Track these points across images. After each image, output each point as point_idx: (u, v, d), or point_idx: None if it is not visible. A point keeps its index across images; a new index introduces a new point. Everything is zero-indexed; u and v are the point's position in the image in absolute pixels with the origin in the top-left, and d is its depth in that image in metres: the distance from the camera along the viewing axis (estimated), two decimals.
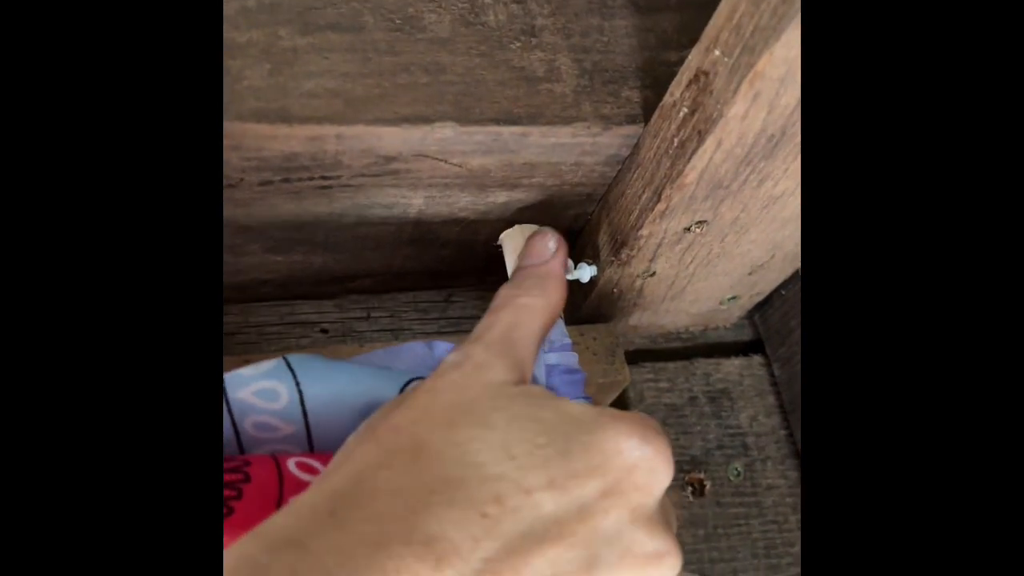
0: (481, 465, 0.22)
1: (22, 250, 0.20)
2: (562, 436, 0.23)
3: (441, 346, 0.35)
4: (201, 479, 0.20)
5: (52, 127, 0.20)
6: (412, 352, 0.35)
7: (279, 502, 0.26)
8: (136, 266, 0.20)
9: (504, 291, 0.30)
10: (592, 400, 0.36)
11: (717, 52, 0.28)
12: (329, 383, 0.30)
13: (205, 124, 0.22)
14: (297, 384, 0.30)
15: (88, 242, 0.20)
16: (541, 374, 0.34)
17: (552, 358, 0.34)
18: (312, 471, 0.27)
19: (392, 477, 0.22)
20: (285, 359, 0.30)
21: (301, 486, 0.27)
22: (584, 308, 0.43)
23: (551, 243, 0.32)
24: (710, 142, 0.29)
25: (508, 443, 0.23)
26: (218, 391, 0.27)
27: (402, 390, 0.31)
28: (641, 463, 0.23)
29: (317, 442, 0.30)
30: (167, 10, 0.21)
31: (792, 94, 0.28)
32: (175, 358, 0.20)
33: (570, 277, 0.40)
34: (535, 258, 0.32)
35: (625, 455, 0.23)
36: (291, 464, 0.27)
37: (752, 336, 0.51)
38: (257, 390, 0.30)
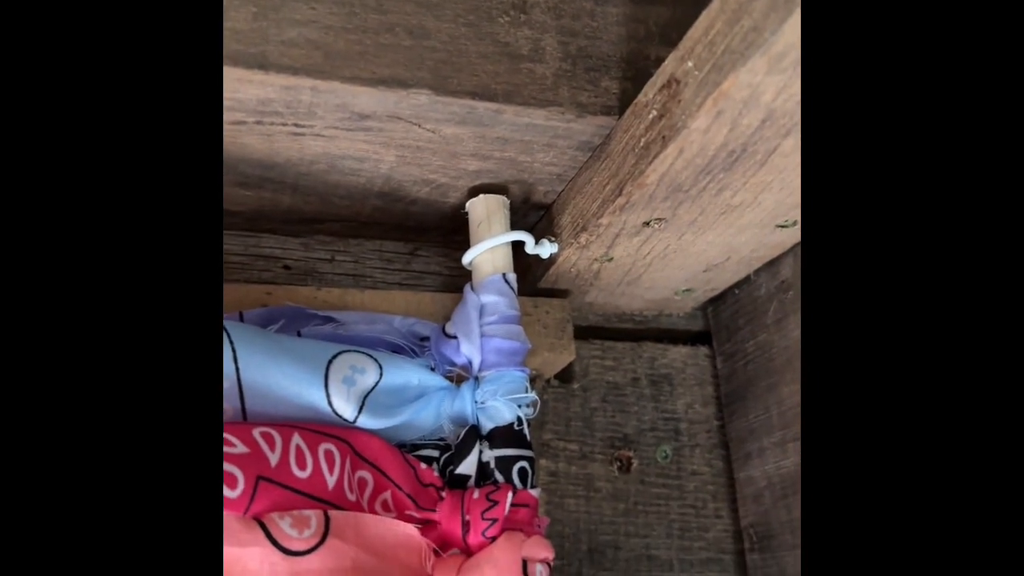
0: None
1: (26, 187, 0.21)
2: None
3: (405, 322, 0.38)
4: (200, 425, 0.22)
5: (56, 74, 0.21)
6: (385, 321, 0.38)
7: None
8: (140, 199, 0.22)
9: None
10: (529, 372, 0.37)
11: (690, 63, 0.29)
12: (260, 347, 0.32)
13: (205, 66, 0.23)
14: (231, 343, 0.31)
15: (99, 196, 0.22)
16: (476, 347, 0.35)
17: (490, 330, 0.36)
18: (228, 444, 0.28)
19: None
20: None
21: None
22: (542, 282, 0.44)
23: None
24: (672, 149, 0.30)
25: None
26: (218, 317, 0.28)
27: (330, 363, 0.33)
28: None
29: (249, 398, 0.31)
30: None
31: (755, 115, 0.28)
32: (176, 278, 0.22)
33: (530, 251, 0.41)
34: None
35: None
36: None
37: (703, 327, 0.52)
38: None
